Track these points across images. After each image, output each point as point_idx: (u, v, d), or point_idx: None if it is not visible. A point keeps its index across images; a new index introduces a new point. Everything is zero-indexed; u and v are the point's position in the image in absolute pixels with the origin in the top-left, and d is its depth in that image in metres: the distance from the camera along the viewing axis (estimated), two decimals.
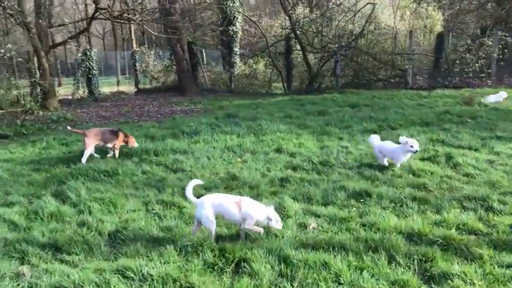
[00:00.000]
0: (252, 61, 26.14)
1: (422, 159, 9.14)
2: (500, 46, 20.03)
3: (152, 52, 28.16)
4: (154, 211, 6.90)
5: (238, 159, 9.43)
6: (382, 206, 6.75)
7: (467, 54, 20.17)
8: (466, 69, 20.00)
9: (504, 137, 10.43)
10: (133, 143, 10.22)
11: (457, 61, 21.89)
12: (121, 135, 9.97)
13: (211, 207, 5.58)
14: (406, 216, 6.37)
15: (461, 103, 15.78)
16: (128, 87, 28.95)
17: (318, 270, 4.91)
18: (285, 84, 24.30)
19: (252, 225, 5.60)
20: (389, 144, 8.66)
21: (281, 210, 6.55)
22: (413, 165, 8.53)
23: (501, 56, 20.38)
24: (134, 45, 32.34)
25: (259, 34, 27.90)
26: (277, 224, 5.70)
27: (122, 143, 10.07)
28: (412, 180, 7.83)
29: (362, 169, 8.54)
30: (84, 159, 9.45)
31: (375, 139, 8.86)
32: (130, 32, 34.46)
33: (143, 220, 6.52)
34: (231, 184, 7.95)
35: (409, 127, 12.12)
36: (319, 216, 6.43)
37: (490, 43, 19.98)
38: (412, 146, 8.18)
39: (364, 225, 6.11)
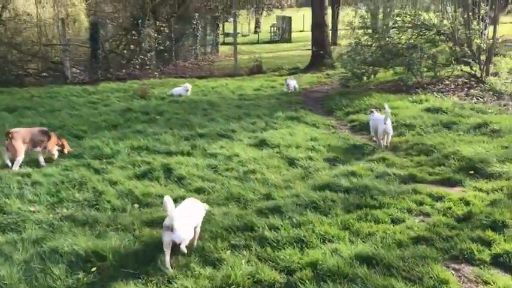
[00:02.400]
0: None
1: (137, 176, 7.06)
2: (156, 36, 19.32)
3: None
4: None
5: None
6: None
7: (132, 46, 18.69)
8: (132, 61, 18.53)
9: (206, 135, 9.31)
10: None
11: (116, 52, 20.30)
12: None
13: None
14: None
15: (136, 97, 14.23)
16: None
17: None
18: None
19: None
20: None
21: None
22: (134, 190, 6.37)
23: (157, 47, 19.77)
24: None
25: None
26: None
27: None
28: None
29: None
30: None
31: None
32: None
33: None
34: None
35: (96, 133, 9.75)
36: None
37: (150, 33, 19.02)
38: None
39: None
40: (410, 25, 13.47)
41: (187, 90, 14.13)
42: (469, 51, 12.54)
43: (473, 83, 12.71)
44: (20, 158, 7.54)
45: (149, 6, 20.41)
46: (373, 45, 13.55)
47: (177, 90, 14.20)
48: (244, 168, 7.16)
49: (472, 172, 6.32)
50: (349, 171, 6.55)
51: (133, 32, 18.58)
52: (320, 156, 7.57)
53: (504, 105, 10.08)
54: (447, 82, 13.22)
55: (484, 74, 12.57)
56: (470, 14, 12.59)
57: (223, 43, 31.54)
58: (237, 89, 15.41)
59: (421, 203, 5.50)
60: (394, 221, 5.11)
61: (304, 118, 10.38)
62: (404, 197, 5.64)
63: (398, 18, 13.53)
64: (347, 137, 8.82)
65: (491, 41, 12.50)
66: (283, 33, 38.30)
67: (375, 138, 8.21)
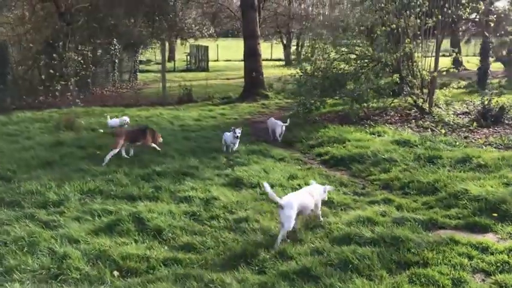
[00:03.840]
0: None
1: (102, 230, 5.58)
2: (79, 61, 17.37)
3: None
4: None
5: None
6: None
7: (51, 70, 16.54)
8: (50, 87, 16.35)
9: (166, 173, 7.93)
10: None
11: (25, 77, 18.01)
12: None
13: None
14: None
15: (62, 128, 12.36)
16: None
17: None
18: None
19: None
20: None
21: None
22: (106, 251, 4.92)
23: (79, 72, 17.77)
24: None
25: None
26: None
27: None
28: None
29: None
30: None
31: None
32: None
33: None
34: None
35: (28, 173, 8.00)
36: None
37: (73, 57, 17.02)
38: None
39: None
40: (355, 56, 13.21)
41: (126, 124, 11.94)
42: (417, 83, 12.48)
43: (417, 114, 12.64)
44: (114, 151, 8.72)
45: (67, 29, 18.39)
46: (319, 75, 13.04)
47: (114, 121, 12.18)
48: (234, 216, 5.97)
49: (495, 215, 5.71)
50: (362, 218, 5.62)
51: (54, 55, 16.45)
52: None
53: (465, 138, 9.92)
54: (392, 113, 13.05)
55: (427, 105, 12.56)
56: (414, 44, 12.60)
57: (140, 71, 29.79)
58: (174, 119, 14.07)
59: (469, 257, 4.72)
60: (456, 284, 4.23)
61: (269, 152, 9.38)
62: (445, 249, 4.83)
63: (344, 49, 13.20)
64: (327, 174, 7.95)
65: (435, 73, 12.56)
66: (199, 62, 37.34)
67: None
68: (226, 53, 44.50)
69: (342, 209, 6.18)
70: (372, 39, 13.24)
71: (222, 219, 5.90)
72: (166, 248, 5.23)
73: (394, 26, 12.27)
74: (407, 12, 12.69)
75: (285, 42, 39.69)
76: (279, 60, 41.04)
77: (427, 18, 12.55)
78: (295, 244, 5.12)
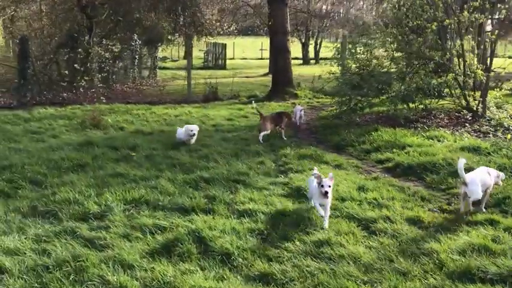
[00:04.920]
0: None
1: (158, 253, 4.62)
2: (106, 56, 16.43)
3: None
4: None
5: None
6: None
7: (76, 65, 15.62)
8: (74, 83, 15.45)
9: (214, 180, 6.95)
10: None
11: (46, 72, 17.16)
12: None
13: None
14: None
15: (88, 126, 11.44)
16: None
17: None
18: None
19: None
20: None
21: None
22: (172, 283, 3.95)
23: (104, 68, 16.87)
24: None
25: None
26: None
27: None
28: None
29: None
30: None
31: None
32: None
33: None
34: None
35: (61, 177, 7.08)
36: None
37: (100, 52, 16.08)
38: None
39: None
40: (402, 54, 12.14)
41: (193, 135, 9.32)
42: (471, 82, 11.41)
43: (468, 117, 11.56)
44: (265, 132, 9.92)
45: (90, 23, 17.47)
46: (363, 73, 11.99)
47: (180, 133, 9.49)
48: (311, 238, 4.96)
49: None
50: (474, 245, 4.58)
51: (79, 50, 15.52)
52: (397, 215, 5.55)
53: None
54: (441, 115, 11.99)
55: (480, 107, 11.50)
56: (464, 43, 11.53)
57: (159, 68, 28.81)
58: (205, 118, 13.10)
59: None
60: None
61: (321, 157, 8.38)
62: None
63: (391, 46, 12.14)
64: (399, 185, 6.91)
65: (492, 73, 11.49)
66: (216, 59, 36.36)
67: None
68: (242, 51, 43.59)
69: (438, 232, 5.13)
70: (419, 35, 12.16)
71: (298, 241, 4.91)
72: (239, 278, 4.25)
73: (447, 21, 11.20)
74: (459, 7, 11.63)
75: (303, 40, 38.56)
76: (296, 58, 39.99)
77: (480, 14, 11.47)
78: (402, 279, 4.11)
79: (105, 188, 6.51)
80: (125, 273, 4.21)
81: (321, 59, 36.23)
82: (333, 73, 12.83)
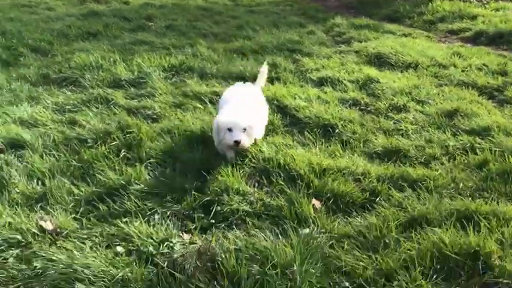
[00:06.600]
0: None
1: None
2: None
3: None
4: None
5: None
6: None
7: None
8: None
9: (265, 47, 5.50)
10: None
11: None
12: None
13: None
14: None
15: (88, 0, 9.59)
16: None
17: None
18: None
19: None
20: None
21: None
22: None
23: None
24: None
25: None
26: None
27: None
28: None
29: None
30: None
31: None
32: None
33: None
34: None
35: (71, 44, 5.57)
36: None
37: None
38: None
39: None
40: None
41: None
42: None
43: None
44: None
45: None
46: None
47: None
48: (437, 107, 3.66)
49: None
50: None
51: None
52: None
53: None
54: None
55: None
56: None
57: None
58: None
59: None
60: None
61: (380, 27, 6.85)
62: None
63: None
64: (493, 52, 5.49)
65: None
66: None
67: None
68: None
69: None
70: None
71: (414, 111, 3.60)
72: (358, 156, 2.99)
73: None
74: None
75: None
76: None
77: None
78: None
79: (130, 55, 5.03)
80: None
81: None
82: None
